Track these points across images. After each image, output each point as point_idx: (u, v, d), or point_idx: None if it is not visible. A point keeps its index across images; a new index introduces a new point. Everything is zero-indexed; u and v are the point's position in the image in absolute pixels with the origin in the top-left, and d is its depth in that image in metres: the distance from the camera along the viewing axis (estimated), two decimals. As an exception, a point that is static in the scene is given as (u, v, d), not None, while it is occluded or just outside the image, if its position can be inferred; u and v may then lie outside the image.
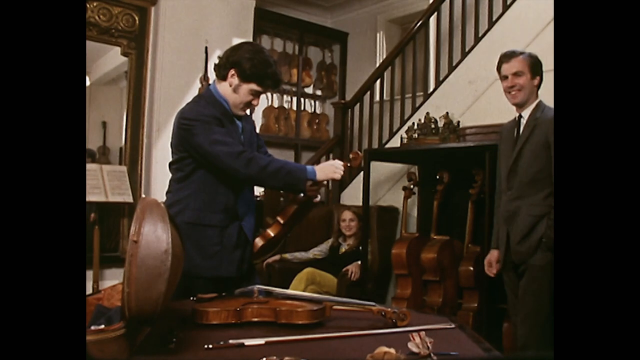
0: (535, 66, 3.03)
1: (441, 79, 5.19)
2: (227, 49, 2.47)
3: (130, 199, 4.78)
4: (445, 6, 5.29)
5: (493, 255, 3.19)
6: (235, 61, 2.35)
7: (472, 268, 4.06)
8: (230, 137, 2.36)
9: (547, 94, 3.77)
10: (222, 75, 2.41)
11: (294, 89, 7.15)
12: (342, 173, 2.38)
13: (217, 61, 2.46)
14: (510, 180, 3.03)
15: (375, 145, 5.58)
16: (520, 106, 3.06)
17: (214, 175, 2.38)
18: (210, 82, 2.43)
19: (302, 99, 7.24)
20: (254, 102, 2.41)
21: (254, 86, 2.35)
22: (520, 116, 3.07)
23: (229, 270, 2.38)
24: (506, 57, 3.07)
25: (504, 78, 3.06)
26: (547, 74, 4.06)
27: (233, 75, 2.36)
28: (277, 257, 4.88)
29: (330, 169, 2.38)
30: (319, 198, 2.49)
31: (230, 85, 2.38)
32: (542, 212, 2.90)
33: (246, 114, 2.52)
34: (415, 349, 1.27)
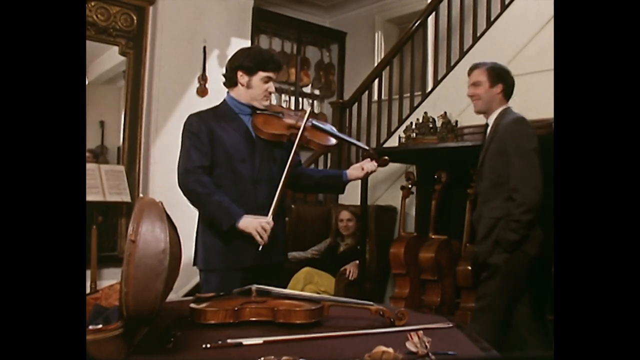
0: (496, 76, 3.15)
1: (439, 78, 5.19)
2: (227, 61, 2.72)
3: (128, 199, 4.78)
4: (443, 6, 5.29)
5: None
6: (237, 64, 2.63)
7: (469, 268, 4.06)
8: (206, 152, 2.56)
9: (546, 94, 3.78)
10: (232, 82, 2.66)
11: (292, 89, 7.15)
12: (263, 234, 2.48)
13: (223, 79, 2.71)
14: (478, 185, 3.21)
15: (373, 144, 5.58)
16: (484, 113, 3.21)
17: (225, 175, 2.60)
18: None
19: (300, 99, 7.24)
20: (270, 89, 2.65)
21: (261, 74, 2.61)
22: (487, 124, 3.22)
23: (243, 262, 2.56)
24: (470, 69, 3.28)
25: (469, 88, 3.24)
26: (547, 74, 4.08)
27: (241, 75, 2.62)
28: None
29: (252, 225, 2.49)
30: None
31: (243, 85, 2.63)
32: (500, 215, 3.01)
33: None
34: (413, 349, 1.27)
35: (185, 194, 2.58)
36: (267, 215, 2.53)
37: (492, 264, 3.05)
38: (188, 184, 2.54)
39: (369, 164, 2.69)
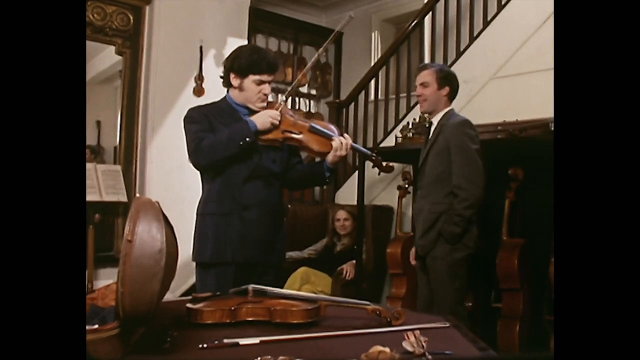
0: (443, 78, 3.32)
1: (436, 78, 5.18)
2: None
3: (124, 199, 4.77)
4: (440, 6, 5.29)
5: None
6: (230, 65, 2.58)
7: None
8: (209, 132, 2.54)
9: (543, 94, 3.79)
10: (227, 84, 2.62)
11: (288, 88, 7.14)
12: (277, 119, 2.55)
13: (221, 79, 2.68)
14: (419, 180, 3.39)
15: (370, 144, 5.59)
16: (429, 113, 3.39)
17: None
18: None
19: (296, 98, 7.23)
20: (264, 91, 2.57)
21: (252, 77, 2.54)
22: (430, 122, 3.38)
23: (236, 256, 2.54)
24: (419, 69, 3.45)
25: (416, 88, 3.39)
26: (543, 73, 4.09)
27: (234, 77, 2.57)
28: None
29: (265, 117, 2.53)
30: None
31: (236, 87, 2.58)
32: (443, 209, 3.18)
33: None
34: (409, 348, 1.27)
35: (205, 166, 2.57)
36: (264, 208, 2.58)
37: (436, 257, 3.21)
38: (200, 154, 2.52)
39: (337, 141, 2.57)
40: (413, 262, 3.56)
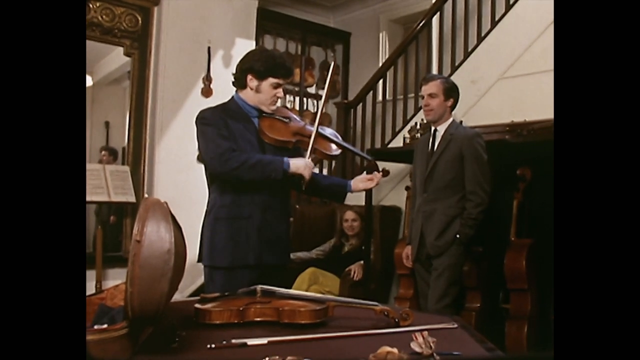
0: (449, 90, 3.55)
1: (444, 78, 5.18)
2: (238, 62, 2.72)
3: (133, 199, 4.79)
4: (447, 6, 5.28)
5: (408, 249, 3.77)
6: (248, 67, 2.62)
7: (474, 268, 4.05)
8: (228, 138, 2.55)
9: (546, 96, 3.78)
10: (241, 84, 2.66)
11: (296, 89, 7.15)
12: (310, 172, 2.59)
13: (232, 79, 2.71)
14: (426, 185, 3.55)
15: (378, 145, 5.58)
16: (433, 122, 3.59)
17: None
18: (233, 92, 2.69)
19: (304, 99, 7.24)
20: (278, 95, 2.65)
21: (271, 80, 2.60)
22: (435, 130, 3.58)
23: (259, 259, 2.57)
24: (425, 80, 3.66)
25: (421, 97, 3.60)
26: (552, 74, 4.07)
27: (251, 79, 2.61)
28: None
29: (301, 164, 2.57)
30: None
31: (252, 89, 2.63)
32: (456, 213, 3.46)
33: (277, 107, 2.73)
34: (418, 349, 1.27)
35: (225, 176, 2.55)
36: (277, 210, 2.61)
37: (450, 256, 3.46)
38: (225, 165, 2.51)
39: (376, 178, 2.70)
40: (410, 264, 3.73)
